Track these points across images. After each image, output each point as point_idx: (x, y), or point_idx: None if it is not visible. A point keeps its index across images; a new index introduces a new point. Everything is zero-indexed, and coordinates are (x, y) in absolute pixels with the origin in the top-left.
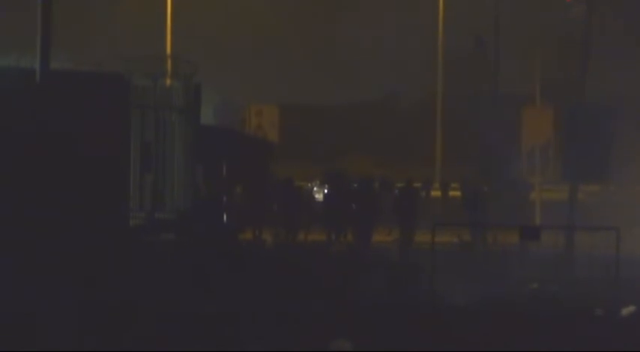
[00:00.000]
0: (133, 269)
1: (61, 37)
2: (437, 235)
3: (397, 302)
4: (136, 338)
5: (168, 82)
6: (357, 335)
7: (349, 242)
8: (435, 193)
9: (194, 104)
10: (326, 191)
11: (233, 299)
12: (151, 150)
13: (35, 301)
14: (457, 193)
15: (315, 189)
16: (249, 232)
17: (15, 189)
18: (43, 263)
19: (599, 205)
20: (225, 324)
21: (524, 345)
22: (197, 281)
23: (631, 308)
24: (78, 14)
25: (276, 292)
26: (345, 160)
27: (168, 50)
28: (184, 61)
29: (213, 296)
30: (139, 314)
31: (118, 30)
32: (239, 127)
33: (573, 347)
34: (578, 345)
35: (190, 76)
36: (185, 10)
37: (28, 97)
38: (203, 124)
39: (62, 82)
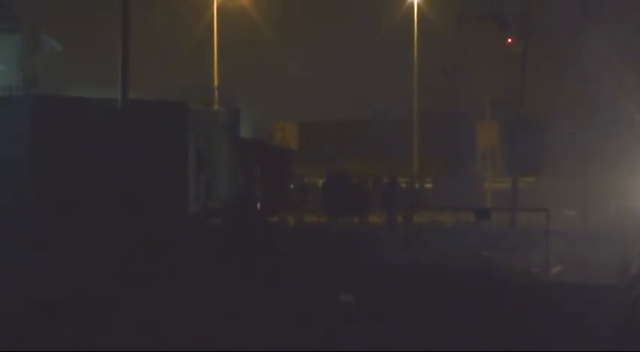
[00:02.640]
0: (191, 241)
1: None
2: (415, 216)
3: (386, 264)
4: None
5: (215, 107)
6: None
7: (348, 223)
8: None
9: (235, 123)
10: (324, 184)
11: (269, 259)
12: (204, 157)
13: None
14: (429, 185)
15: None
16: (276, 217)
17: (109, 185)
18: (134, 235)
19: (535, 192)
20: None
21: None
22: (237, 250)
23: (558, 268)
24: (139, 51)
25: (296, 257)
26: (347, 162)
27: (216, 82)
28: (227, 91)
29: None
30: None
31: (174, 63)
32: (268, 139)
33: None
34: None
35: (232, 102)
36: (227, 46)
37: (114, 120)
38: (242, 138)
39: (139, 108)
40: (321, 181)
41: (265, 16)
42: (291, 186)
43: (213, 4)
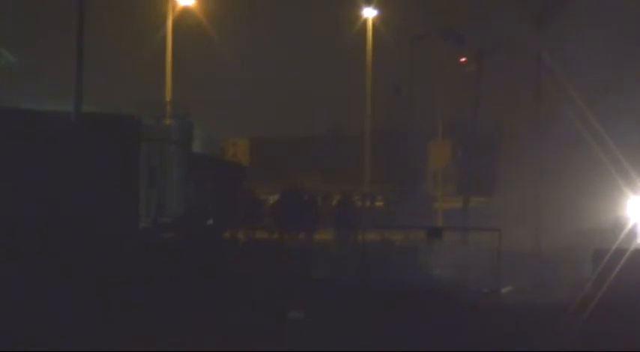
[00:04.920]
0: (141, 258)
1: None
2: (366, 234)
3: (335, 281)
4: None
5: (168, 121)
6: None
7: (298, 239)
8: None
9: (187, 138)
10: (276, 201)
11: (218, 275)
12: (155, 172)
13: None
14: (381, 203)
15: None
16: (228, 232)
17: (57, 200)
18: (79, 251)
19: (487, 212)
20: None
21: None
22: (186, 266)
23: (509, 288)
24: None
25: (246, 272)
26: (301, 179)
27: (168, 97)
28: (180, 105)
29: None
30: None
31: (131, 77)
32: (220, 155)
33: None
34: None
35: (184, 116)
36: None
37: (68, 134)
38: (194, 153)
39: (92, 122)
40: (272, 197)
41: (222, 32)
42: (243, 201)
43: (168, 19)
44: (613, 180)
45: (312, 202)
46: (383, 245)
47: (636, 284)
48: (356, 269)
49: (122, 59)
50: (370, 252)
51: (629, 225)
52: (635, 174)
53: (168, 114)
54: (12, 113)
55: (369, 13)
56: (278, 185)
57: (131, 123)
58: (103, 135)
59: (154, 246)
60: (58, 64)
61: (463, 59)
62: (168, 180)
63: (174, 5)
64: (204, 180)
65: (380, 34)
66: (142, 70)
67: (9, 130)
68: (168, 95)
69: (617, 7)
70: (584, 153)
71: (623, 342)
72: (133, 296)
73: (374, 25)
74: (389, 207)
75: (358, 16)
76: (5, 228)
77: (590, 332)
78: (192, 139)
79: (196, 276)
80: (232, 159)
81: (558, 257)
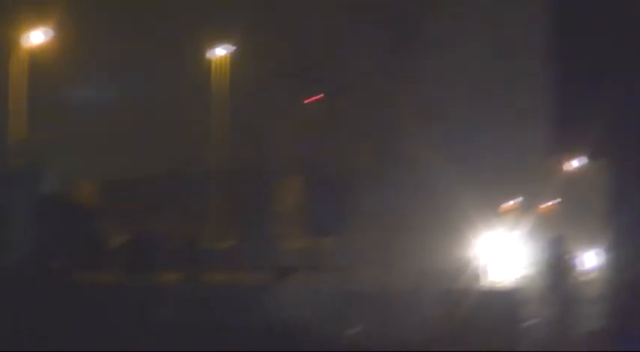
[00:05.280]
0: None
1: None
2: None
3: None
4: None
5: (19, 163)
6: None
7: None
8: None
9: (37, 180)
10: (123, 242)
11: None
12: (4, 213)
13: None
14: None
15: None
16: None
17: None
18: None
19: (335, 251)
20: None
21: None
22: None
23: (356, 329)
24: None
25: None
26: (148, 220)
27: (20, 138)
28: (31, 148)
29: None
30: None
31: None
32: (70, 197)
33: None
34: None
35: (34, 159)
36: None
37: None
38: (44, 194)
39: None
40: (120, 239)
41: (70, 73)
42: (92, 243)
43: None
44: (462, 219)
45: (160, 244)
46: (230, 285)
47: (486, 324)
48: (202, 309)
49: None
50: (217, 293)
51: (479, 263)
52: (487, 214)
53: (19, 156)
54: None
55: (220, 52)
56: (125, 227)
57: None
58: None
59: None
60: None
61: (314, 98)
62: (19, 222)
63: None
64: (55, 222)
65: (233, 72)
66: None
67: None
68: (20, 137)
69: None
70: (430, 194)
71: None
72: None
73: (225, 63)
74: (236, 247)
75: (209, 55)
76: None
77: None
78: (43, 181)
79: (34, 320)
80: (82, 201)
81: (406, 297)
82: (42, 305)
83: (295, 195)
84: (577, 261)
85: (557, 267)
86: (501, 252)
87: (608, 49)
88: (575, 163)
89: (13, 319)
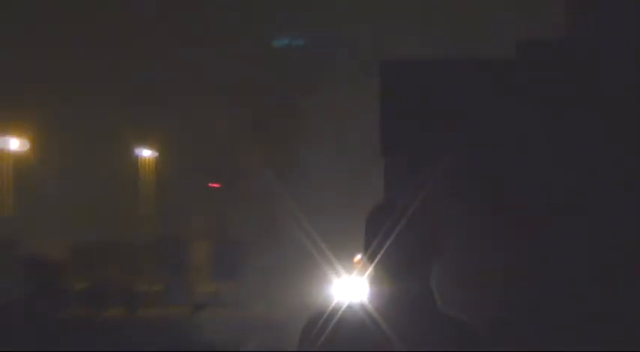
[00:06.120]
0: None
1: None
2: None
3: None
4: None
5: None
6: None
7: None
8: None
9: None
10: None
11: None
12: None
13: None
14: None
15: None
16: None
17: None
18: None
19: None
20: None
21: None
22: None
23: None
24: None
25: None
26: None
27: None
28: None
29: None
30: None
31: None
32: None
33: None
34: None
35: None
36: None
37: None
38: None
39: None
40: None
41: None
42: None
43: None
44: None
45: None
46: (156, 318)
47: None
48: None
49: None
50: (147, 324)
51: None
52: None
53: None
54: None
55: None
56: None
57: None
58: None
59: None
60: None
61: (214, 184)
62: None
63: None
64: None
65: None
66: None
67: None
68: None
69: None
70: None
71: None
72: None
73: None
74: (163, 290)
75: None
76: None
77: None
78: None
79: None
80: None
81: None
82: None
83: (204, 252)
84: None
85: None
86: None
87: None
88: None
89: None
